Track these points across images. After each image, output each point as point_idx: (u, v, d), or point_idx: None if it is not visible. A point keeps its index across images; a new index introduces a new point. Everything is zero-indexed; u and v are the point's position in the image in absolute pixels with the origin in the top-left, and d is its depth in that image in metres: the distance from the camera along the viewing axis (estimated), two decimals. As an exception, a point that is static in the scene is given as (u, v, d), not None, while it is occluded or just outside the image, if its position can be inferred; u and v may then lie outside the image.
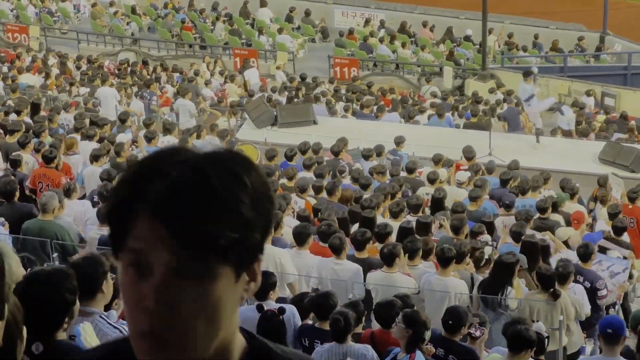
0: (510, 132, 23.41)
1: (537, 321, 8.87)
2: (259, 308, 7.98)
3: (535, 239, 11.61)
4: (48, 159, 13.50)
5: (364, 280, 10.19)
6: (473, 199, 14.08)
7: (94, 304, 5.38)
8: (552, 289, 9.77)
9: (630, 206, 14.59)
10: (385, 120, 23.23)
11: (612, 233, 12.77)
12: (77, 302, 4.68)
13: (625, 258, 11.99)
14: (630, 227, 13.95)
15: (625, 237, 12.95)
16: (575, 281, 10.61)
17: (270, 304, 8.07)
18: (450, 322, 8.00)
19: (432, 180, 15.26)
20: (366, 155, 17.07)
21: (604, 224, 13.70)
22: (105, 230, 10.77)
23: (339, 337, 7.55)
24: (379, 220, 12.09)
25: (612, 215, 13.65)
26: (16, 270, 5.25)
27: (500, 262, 10.28)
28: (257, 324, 7.52)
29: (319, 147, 17.05)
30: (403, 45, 32.91)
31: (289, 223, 11.64)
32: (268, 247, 10.28)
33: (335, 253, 10.31)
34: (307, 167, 15.68)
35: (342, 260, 10.28)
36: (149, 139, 16.67)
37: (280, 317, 7.43)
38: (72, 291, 4.57)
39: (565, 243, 12.49)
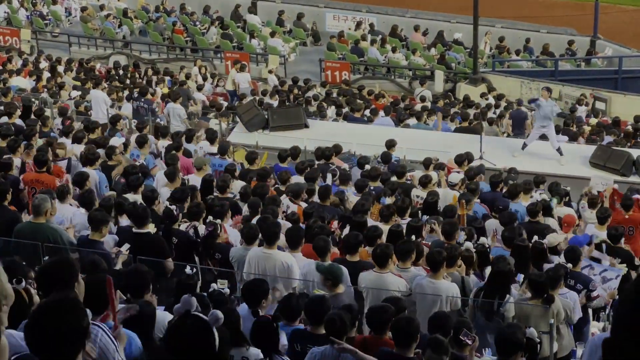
0: (515, 132, 23.80)
1: (529, 327, 8.87)
2: (255, 313, 7.98)
3: (525, 243, 11.62)
4: (41, 163, 13.41)
5: (357, 281, 10.16)
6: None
7: None
8: (545, 295, 9.79)
9: (627, 216, 14.40)
10: (378, 123, 23.24)
11: (609, 241, 12.67)
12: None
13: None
14: (630, 235, 13.95)
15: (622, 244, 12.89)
16: (567, 285, 10.64)
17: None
18: (436, 328, 7.99)
19: (424, 183, 15.27)
20: (362, 164, 16.98)
21: (593, 228, 13.69)
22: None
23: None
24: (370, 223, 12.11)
25: (602, 219, 13.63)
26: (4, 285, 5.26)
27: (498, 271, 10.26)
28: (251, 330, 7.52)
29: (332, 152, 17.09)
30: (394, 49, 32.92)
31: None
32: (275, 251, 10.27)
33: (320, 255, 10.23)
34: (299, 171, 15.65)
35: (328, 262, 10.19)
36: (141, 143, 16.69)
37: (275, 324, 7.41)
38: (86, 314, 4.49)
39: (555, 248, 12.49)
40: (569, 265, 10.99)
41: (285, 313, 8.13)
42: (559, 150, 20.70)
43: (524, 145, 21.10)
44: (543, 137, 20.82)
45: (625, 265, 12.00)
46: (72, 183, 12.95)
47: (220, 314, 5.13)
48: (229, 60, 31.47)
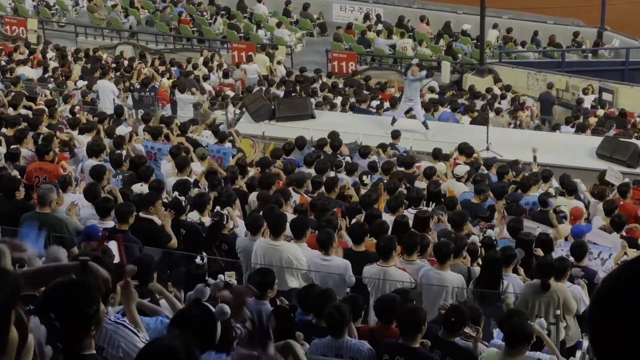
0: (542, 116, 25.20)
1: (540, 317, 8.85)
2: (271, 303, 7.96)
3: (530, 237, 11.61)
4: (41, 152, 13.40)
5: (361, 274, 10.16)
6: (478, 192, 14.11)
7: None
8: (542, 279, 9.80)
9: (621, 202, 14.42)
10: (386, 114, 23.18)
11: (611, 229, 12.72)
12: (103, 308, 4.59)
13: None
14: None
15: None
16: (572, 280, 10.65)
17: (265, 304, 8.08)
18: (453, 319, 7.96)
19: (429, 175, 15.27)
20: (364, 153, 16.99)
21: (600, 220, 13.68)
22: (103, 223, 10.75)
23: (335, 331, 7.52)
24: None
25: (608, 211, 13.63)
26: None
27: (488, 259, 10.33)
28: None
29: (323, 142, 17.13)
30: (402, 35, 32.76)
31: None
32: (282, 243, 10.22)
33: (322, 248, 10.17)
34: (308, 163, 15.59)
35: (330, 256, 10.15)
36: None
37: (292, 314, 7.39)
38: (93, 301, 4.45)
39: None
40: (571, 259, 11.00)
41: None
42: (424, 123, 21.08)
43: (393, 120, 21.32)
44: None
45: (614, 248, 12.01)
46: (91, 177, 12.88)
47: (227, 308, 5.16)
48: (236, 51, 31.45)
